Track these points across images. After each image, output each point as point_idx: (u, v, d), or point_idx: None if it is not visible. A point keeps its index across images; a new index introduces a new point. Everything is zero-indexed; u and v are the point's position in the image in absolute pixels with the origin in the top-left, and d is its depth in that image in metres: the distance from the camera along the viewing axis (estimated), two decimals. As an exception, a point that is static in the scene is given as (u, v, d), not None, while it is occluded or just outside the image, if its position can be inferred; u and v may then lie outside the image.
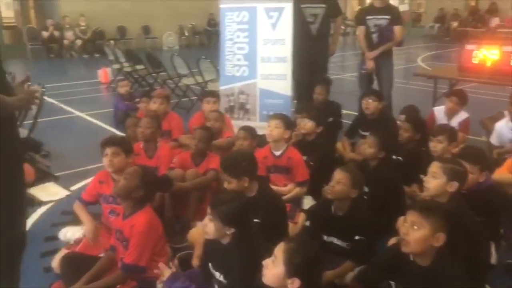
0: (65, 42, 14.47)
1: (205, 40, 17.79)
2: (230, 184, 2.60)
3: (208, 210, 2.09)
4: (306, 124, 3.82)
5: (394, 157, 3.63)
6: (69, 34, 14.56)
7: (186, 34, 17.53)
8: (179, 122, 4.44)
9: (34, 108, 4.64)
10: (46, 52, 14.44)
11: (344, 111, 5.03)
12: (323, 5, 5.22)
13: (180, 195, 3.22)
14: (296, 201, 3.34)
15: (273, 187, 3.19)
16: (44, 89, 4.66)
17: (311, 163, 3.62)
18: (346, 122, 4.90)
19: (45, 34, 14.28)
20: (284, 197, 3.21)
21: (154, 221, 2.46)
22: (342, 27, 13.94)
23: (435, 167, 2.47)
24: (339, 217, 2.68)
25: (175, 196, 3.21)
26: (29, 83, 4.78)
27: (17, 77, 6.01)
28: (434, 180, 2.44)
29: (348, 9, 20.98)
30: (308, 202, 3.40)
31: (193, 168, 3.42)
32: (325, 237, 2.71)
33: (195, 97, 7.10)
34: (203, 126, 3.66)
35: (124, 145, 2.89)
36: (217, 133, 3.91)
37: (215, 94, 4.57)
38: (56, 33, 14.34)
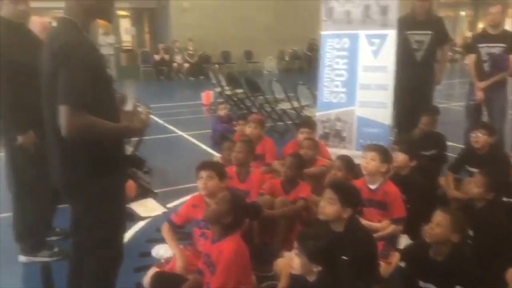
0: (174, 65, 15.47)
1: (304, 65, 17.92)
2: (331, 206, 2.50)
3: (295, 244, 2.03)
4: (398, 157, 3.60)
5: (505, 199, 3.27)
6: (178, 58, 15.55)
7: (286, 58, 17.81)
8: (273, 147, 4.46)
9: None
10: (156, 74, 15.55)
11: (448, 143, 4.68)
12: (430, 32, 4.95)
13: (268, 223, 3.19)
14: (391, 239, 3.13)
15: (367, 222, 3.03)
16: (150, 110, 4.97)
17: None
18: (451, 155, 4.55)
19: (156, 57, 15.41)
20: (378, 234, 3.02)
21: (242, 249, 2.44)
22: (450, 54, 13.16)
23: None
24: (438, 262, 2.45)
25: (264, 223, 3.18)
26: (138, 103, 5.15)
27: (129, 97, 6.49)
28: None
29: (455, 35, 19.86)
30: (404, 241, 3.17)
31: (282, 195, 3.38)
32: (422, 283, 2.49)
33: (290, 122, 7.12)
34: (295, 153, 3.62)
35: (218, 169, 2.95)
36: (309, 162, 3.85)
37: (311, 125, 4.50)
38: (166, 57, 15.40)
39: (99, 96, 1.94)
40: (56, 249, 3.29)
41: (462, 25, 24.87)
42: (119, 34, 18.98)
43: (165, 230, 2.97)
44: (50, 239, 3.46)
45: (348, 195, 2.52)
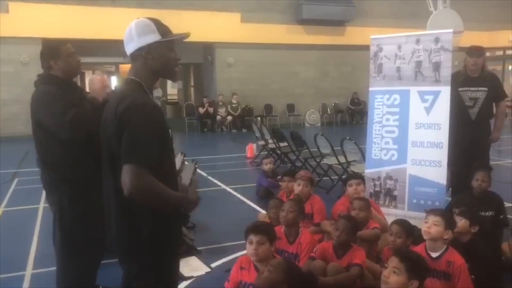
0: (218, 117, 15.75)
1: (347, 118, 17.84)
2: (396, 276, 2.31)
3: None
4: (458, 222, 3.34)
5: None
6: (221, 111, 15.86)
7: (329, 112, 17.82)
8: (322, 206, 4.29)
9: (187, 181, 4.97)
10: (201, 126, 15.85)
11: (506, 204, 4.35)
12: (485, 89, 4.78)
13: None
14: (456, 314, 2.85)
15: (429, 294, 2.77)
16: (197, 165, 4.96)
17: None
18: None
19: (201, 110, 15.78)
20: (441, 308, 2.76)
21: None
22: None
23: None
24: None
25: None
26: (185, 158, 5.16)
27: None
28: None
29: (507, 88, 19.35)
30: (470, 317, 2.87)
31: (334, 260, 3.19)
32: None
33: (336, 177, 6.94)
34: (348, 216, 3.44)
35: (269, 234, 2.83)
36: (361, 223, 3.65)
37: (358, 176, 4.35)
38: (210, 109, 15.74)
39: (161, 157, 1.92)
40: (99, 308, 3.20)
41: (510, 80, 24.29)
42: (165, 88, 19.72)
43: None
44: (93, 296, 3.37)
45: (416, 266, 2.32)
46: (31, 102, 2.97)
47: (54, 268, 3.27)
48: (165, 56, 2.01)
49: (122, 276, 2.28)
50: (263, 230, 2.84)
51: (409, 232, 3.22)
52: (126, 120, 1.85)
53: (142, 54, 1.98)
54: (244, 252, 4.01)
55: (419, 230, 3.20)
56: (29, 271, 4.00)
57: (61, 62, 2.96)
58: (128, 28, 2.01)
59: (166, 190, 1.91)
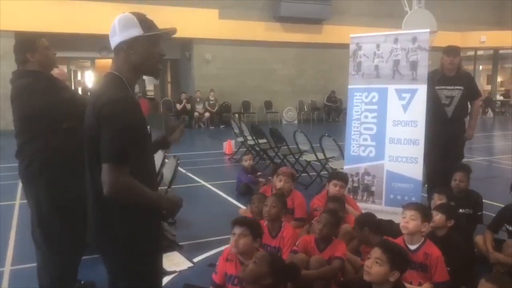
0: (195, 114, 15.69)
1: (323, 116, 18.03)
2: (379, 266, 2.38)
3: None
4: (435, 217, 3.46)
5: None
6: (199, 107, 15.80)
7: (305, 109, 17.97)
8: (302, 201, 4.36)
9: (169, 177, 4.96)
10: (178, 123, 15.74)
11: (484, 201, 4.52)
12: (460, 87, 4.94)
13: (303, 283, 3.04)
14: (434, 304, 2.96)
15: (407, 285, 2.86)
16: (179, 161, 4.96)
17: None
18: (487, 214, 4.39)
19: (178, 106, 15.68)
20: (420, 299, 2.87)
21: (280, 312, 2.32)
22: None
23: None
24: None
25: (297, 283, 3.04)
26: (166, 154, 5.16)
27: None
28: None
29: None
30: (447, 306, 2.99)
31: (316, 253, 3.26)
32: None
33: (314, 173, 7.04)
34: (331, 210, 3.51)
35: (254, 228, 2.85)
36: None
37: (344, 179, 4.41)
38: (188, 106, 15.66)
39: (139, 154, 1.91)
40: (81, 304, 3.18)
41: (480, 79, 25.00)
42: (142, 83, 19.49)
43: None
44: (75, 292, 3.35)
45: (398, 257, 2.40)
46: (16, 98, 2.92)
47: (34, 264, 3.24)
48: (146, 52, 1.97)
49: (107, 274, 2.27)
50: (248, 223, 2.87)
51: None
52: (103, 118, 1.83)
53: (124, 49, 1.95)
54: (227, 246, 4.07)
55: (397, 224, 3.30)
56: (7, 267, 3.93)
57: (38, 55, 2.92)
58: (113, 22, 1.98)
59: (145, 190, 1.90)
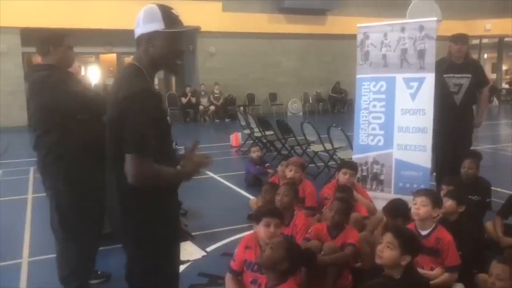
0: (200, 107, 15.72)
1: (328, 107, 18.03)
2: (390, 250, 2.42)
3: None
4: (446, 203, 3.49)
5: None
6: (204, 100, 15.83)
7: (310, 101, 17.98)
8: (313, 190, 4.42)
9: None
10: (183, 116, 15.80)
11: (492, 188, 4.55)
12: (469, 75, 4.95)
13: (316, 270, 3.10)
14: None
15: (421, 270, 2.92)
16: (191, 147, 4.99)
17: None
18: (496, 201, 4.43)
19: (183, 100, 15.72)
20: (432, 282, 2.91)
21: (297, 296, 2.38)
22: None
23: None
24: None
25: (311, 270, 3.10)
26: (176, 145, 5.20)
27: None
28: None
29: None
30: (459, 290, 3.04)
31: (328, 240, 3.31)
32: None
33: (322, 164, 7.08)
34: (342, 198, 3.56)
35: (281, 217, 2.98)
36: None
37: (354, 167, 4.45)
38: (193, 99, 15.69)
39: (160, 143, 1.97)
40: (99, 293, 3.26)
41: (485, 68, 24.88)
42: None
43: (228, 281, 2.93)
44: (92, 282, 3.42)
45: (409, 241, 2.44)
46: (32, 90, 3.00)
47: (50, 255, 3.31)
48: (165, 47, 1.98)
49: (126, 260, 2.33)
50: (279, 214, 2.99)
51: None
52: (126, 109, 1.87)
53: (144, 41, 1.99)
54: (239, 236, 4.14)
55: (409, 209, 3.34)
56: (25, 259, 4.01)
57: (60, 51, 3.00)
58: (139, 12, 2.01)
59: (167, 171, 1.98)
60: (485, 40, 22.56)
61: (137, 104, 1.87)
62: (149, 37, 1.97)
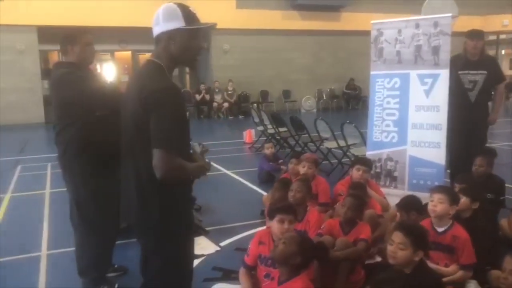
0: (214, 104, 15.80)
1: (342, 104, 17.97)
2: (402, 251, 2.43)
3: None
4: (460, 200, 3.48)
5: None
6: (218, 97, 15.90)
7: (324, 97, 17.93)
8: (326, 187, 4.43)
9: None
10: (197, 113, 15.90)
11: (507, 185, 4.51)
12: (484, 72, 4.90)
13: (329, 265, 3.12)
14: (459, 285, 3.00)
15: (435, 266, 2.93)
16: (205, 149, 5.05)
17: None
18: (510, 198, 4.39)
19: (197, 97, 15.81)
20: (445, 279, 2.91)
21: (310, 289, 2.40)
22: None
23: None
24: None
25: (324, 265, 3.12)
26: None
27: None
28: None
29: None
30: (473, 287, 3.03)
31: (341, 236, 3.32)
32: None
33: (336, 161, 7.08)
34: (355, 194, 3.57)
35: (295, 213, 3.03)
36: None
37: (368, 164, 4.45)
38: (207, 96, 15.78)
39: (182, 138, 2.03)
40: (116, 286, 3.32)
41: (502, 64, 24.49)
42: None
43: (242, 275, 2.97)
44: (109, 275, 3.49)
45: (420, 238, 2.45)
46: (53, 86, 3.09)
47: (69, 249, 3.38)
48: (186, 44, 2.03)
49: (140, 252, 2.38)
50: (293, 210, 3.02)
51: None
52: (152, 105, 1.91)
53: (164, 39, 2.03)
54: (252, 231, 4.18)
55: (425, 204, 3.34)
56: (44, 252, 4.11)
57: (77, 48, 3.08)
58: (157, 11, 2.06)
59: (189, 166, 2.04)
60: (502, 36, 22.21)
61: (164, 100, 1.92)
62: (170, 35, 2.02)
